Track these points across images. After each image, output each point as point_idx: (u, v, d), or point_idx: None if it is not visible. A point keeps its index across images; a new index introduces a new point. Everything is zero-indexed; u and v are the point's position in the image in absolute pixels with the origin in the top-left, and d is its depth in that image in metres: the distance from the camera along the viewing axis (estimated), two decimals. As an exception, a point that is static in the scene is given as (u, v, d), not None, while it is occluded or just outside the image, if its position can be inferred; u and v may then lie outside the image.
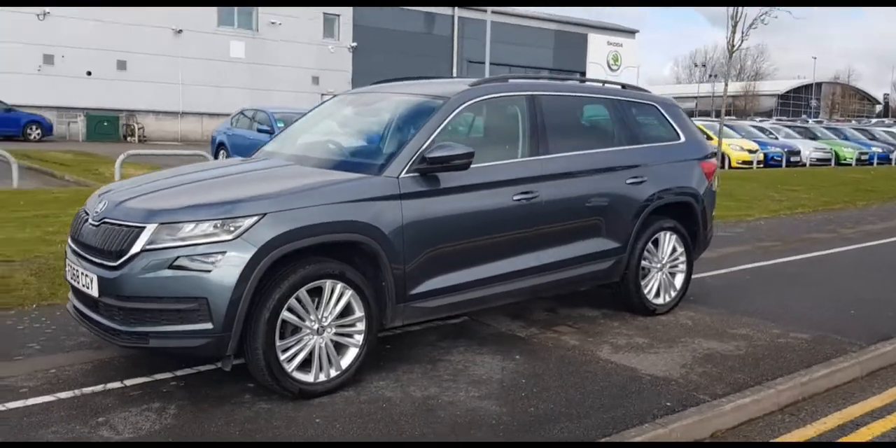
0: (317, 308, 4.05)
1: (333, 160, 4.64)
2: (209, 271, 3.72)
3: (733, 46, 13.31)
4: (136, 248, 3.78)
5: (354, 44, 38.80)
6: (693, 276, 7.11)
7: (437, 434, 3.68)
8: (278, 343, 3.91)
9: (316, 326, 4.05)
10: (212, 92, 33.69)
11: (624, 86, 6.13)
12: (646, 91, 6.26)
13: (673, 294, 5.97)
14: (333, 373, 4.14)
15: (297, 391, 3.99)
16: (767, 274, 7.55)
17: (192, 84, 33.31)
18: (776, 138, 29.03)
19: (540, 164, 4.99)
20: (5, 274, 6.32)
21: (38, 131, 27.14)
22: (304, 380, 4.02)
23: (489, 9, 31.70)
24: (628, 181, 5.51)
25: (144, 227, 3.81)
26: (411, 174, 4.39)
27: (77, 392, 4.06)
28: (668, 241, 5.85)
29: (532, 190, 4.89)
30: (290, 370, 3.97)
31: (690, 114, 68.72)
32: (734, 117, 59.42)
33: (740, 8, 13.09)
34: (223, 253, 3.74)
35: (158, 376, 4.31)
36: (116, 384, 4.18)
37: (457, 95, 4.78)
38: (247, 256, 3.75)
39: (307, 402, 4.01)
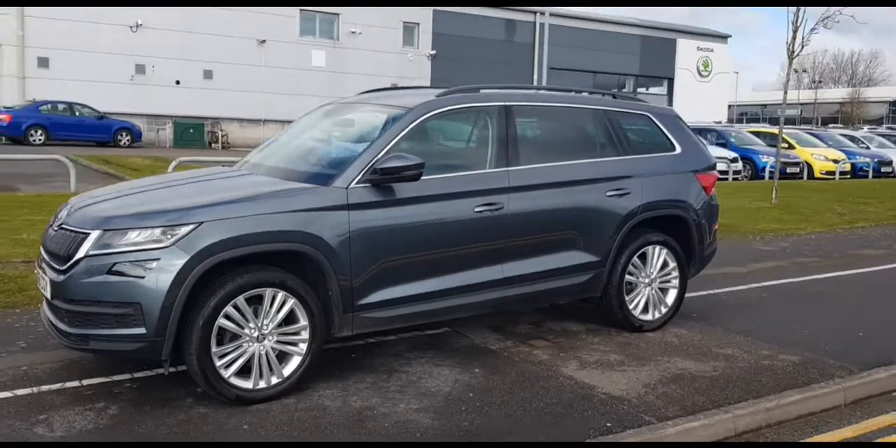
0: (259, 316, 4.13)
1: (298, 171, 4.71)
2: (143, 277, 3.85)
3: (793, 52, 12.75)
4: (80, 253, 3.95)
5: (434, 52, 39.19)
6: (707, 292, 6.92)
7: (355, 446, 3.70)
8: (214, 349, 4.00)
9: (256, 334, 4.13)
10: (292, 100, 34.63)
11: (615, 95, 5.99)
12: (640, 101, 6.10)
13: (663, 310, 5.78)
14: (275, 380, 4.20)
15: (234, 397, 4.07)
16: (788, 291, 7.20)
17: (273, 92, 34.35)
18: (867, 148, 27.67)
19: (507, 176, 4.93)
20: (22, 274, 6.69)
21: (128, 138, 28.55)
22: (243, 386, 4.10)
23: (546, 10, 31.33)
24: (609, 193, 5.38)
25: (89, 234, 3.98)
26: (362, 185, 4.42)
27: (34, 389, 4.26)
28: (658, 256, 5.67)
29: (496, 202, 4.84)
30: (226, 376, 4.05)
31: (792, 121, 66.19)
32: (840, 125, 56.87)
33: (801, 10, 12.50)
34: (157, 260, 3.87)
35: (116, 377, 4.48)
36: (74, 383, 4.37)
37: (418, 106, 4.79)
38: (179, 263, 3.87)
39: (245, 408, 4.09)
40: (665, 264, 5.75)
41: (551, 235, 5.15)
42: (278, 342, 4.22)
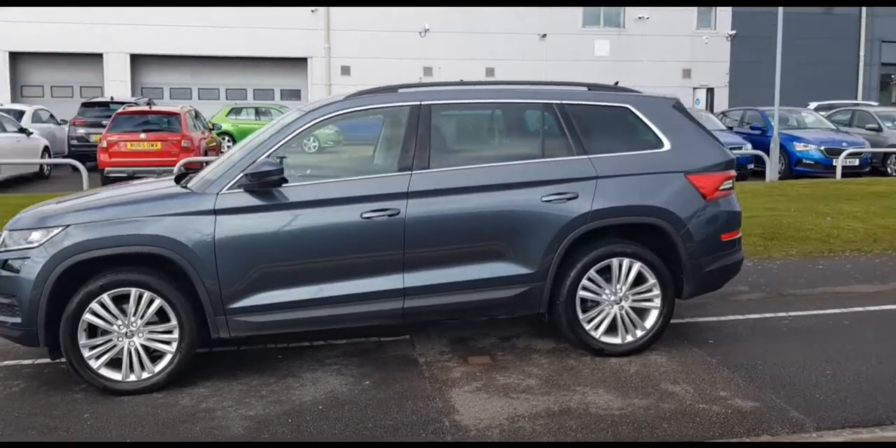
0: (128, 314, 4.45)
1: (205, 178, 4.90)
2: (19, 272, 4.38)
3: None
4: None
5: (733, 32, 36.33)
6: (756, 316, 5.83)
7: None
8: (82, 341, 4.41)
9: (125, 330, 4.46)
10: (574, 92, 34.50)
11: (591, 86, 5.25)
12: (625, 91, 5.27)
13: (639, 334, 4.99)
14: (145, 375, 4.50)
15: (102, 387, 4.45)
16: (870, 320, 5.75)
17: (555, 85, 34.57)
18: None
19: (407, 180, 4.65)
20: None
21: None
22: (112, 378, 4.46)
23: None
24: (545, 198, 4.77)
25: (2, 233, 4.63)
26: (235, 191, 4.51)
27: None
28: (628, 270, 4.90)
29: (391, 207, 4.59)
30: (95, 367, 4.44)
31: None
32: None
33: None
34: (28, 258, 4.37)
35: (41, 361, 4.97)
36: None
37: (313, 110, 4.72)
38: (42, 262, 4.33)
39: (107, 398, 4.43)
40: (640, 280, 4.95)
41: (467, 244, 4.74)
42: (149, 339, 4.50)
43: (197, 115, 16.61)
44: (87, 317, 4.41)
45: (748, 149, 16.27)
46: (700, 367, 4.79)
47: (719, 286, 5.41)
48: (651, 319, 5.00)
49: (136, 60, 30.35)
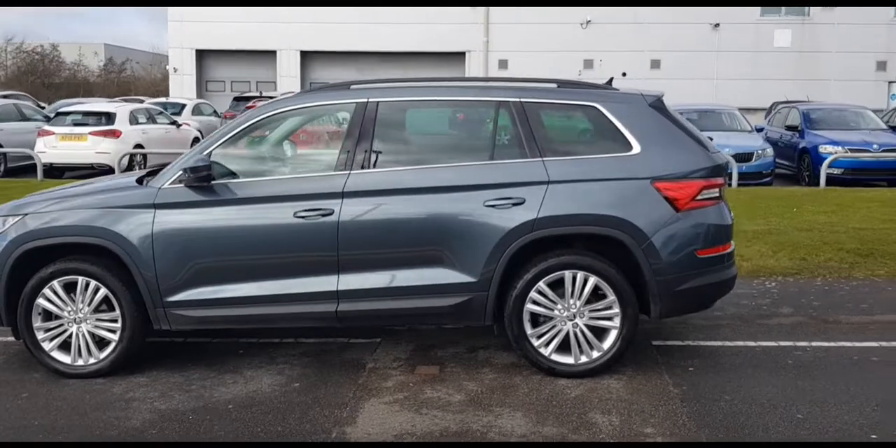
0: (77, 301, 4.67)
1: (160, 174, 4.98)
2: None
3: None
4: None
5: (941, 18, 32.40)
6: (781, 344, 5.16)
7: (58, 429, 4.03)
8: (36, 324, 4.68)
9: (73, 316, 4.68)
10: (748, 85, 32.30)
11: (561, 84, 4.80)
12: (598, 88, 4.78)
13: (594, 355, 4.54)
14: (91, 360, 4.70)
15: (54, 370, 4.70)
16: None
17: (726, 78, 32.50)
18: None
19: (344, 179, 4.51)
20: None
21: (566, 130, 30.27)
22: (63, 361, 4.70)
23: None
24: (488, 203, 4.45)
25: None
26: (176, 185, 4.59)
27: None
28: (582, 284, 4.48)
29: (323, 207, 4.48)
30: (48, 349, 4.70)
31: None
32: None
33: None
34: None
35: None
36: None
37: (260, 107, 4.70)
38: (1, 248, 4.63)
39: (56, 381, 4.66)
40: (598, 296, 4.50)
41: (404, 248, 4.52)
42: (95, 327, 4.69)
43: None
44: (40, 301, 4.67)
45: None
46: (652, 398, 4.29)
47: (703, 306, 4.83)
48: (609, 340, 4.54)
49: (306, 57, 32.04)
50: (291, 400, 4.34)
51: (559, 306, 4.53)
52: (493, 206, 4.46)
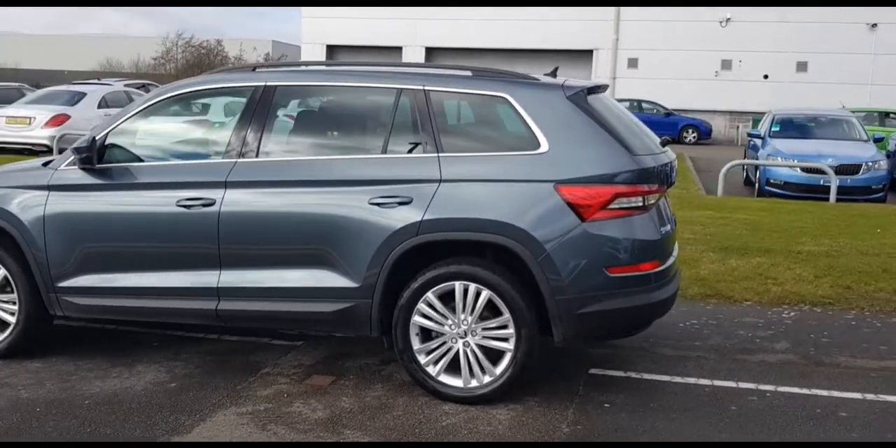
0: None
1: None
2: None
3: None
4: None
5: None
6: (741, 385, 4.44)
7: None
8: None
9: (-30, 299, 4.63)
10: (909, 91, 29.22)
11: (477, 71, 4.22)
12: (519, 77, 4.16)
13: (486, 379, 3.98)
14: (-13, 344, 4.65)
15: (-41, 349, 4.69)
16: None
17: (884, 84, 29.55)
18: None
19: (230, 168, 4.20)
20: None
21: (694, 135, 28.60)
22: (-35, 342, 4.68)
23: None
24: (374, 201, 3.98)
25: None
26: (70, 168, 4.44)
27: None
28: (474, 298, 3.93)
29: (206, 197, 4.18)
30: None
31: None
32: None
33: None
34: None
35: None
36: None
37: (160, 89, 4.47)
38: None
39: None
40: (494, 312, 3.94)
41: (285, 245, 4.15)
42: (-6, 309, 4.63)
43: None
44: None
45: None
46: (532, 435, 3.69)
47: (620, 333, 4.17)
48: (502, 364, 3.96)
49: (431, 53, 32.10)
50: (152, 401, 4.07)
51: (450, 321, 4.01)
52: (378, 204, 3.99)
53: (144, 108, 4.47)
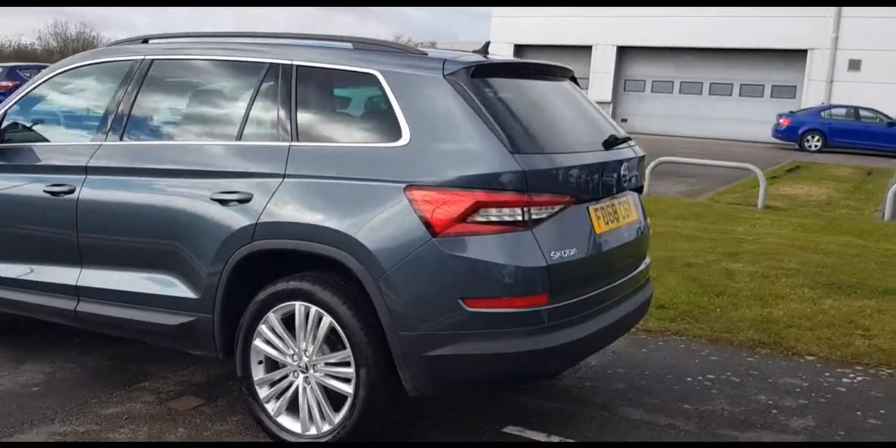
0: None
1: None
2: None
3: None
4: None
5: None
6: None
7: None
8: None
9: None
10: None
11: (358, 42, 3.35)
12: (403, 50, 3.24)
13: (325, 428, 3.17)
14: None
15: None
16: None
17: None
18: None
19: (93, 151, 3.71)
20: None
21: (922, 146, 24.70)
22: None
23: None
24: (216, 196, 3.30)
25: None
26: None
27: None
28: (318, 324, 3.14)
29: (66, 183, 3.72)
30: None
31: None
32: None
33: None
34: None
35: None
36: None
37: (54, 65, 4.08)
38: None
39: None
40: (333, 343, 3.13)
41: (135, 243, 3.59)
42: None
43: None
44: None
45: None
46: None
47: (496, 386, 3.16)
48: (343, 411, 3.12)
49: (622, 52, 30.48)
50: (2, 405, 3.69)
51: (290, 350, 3.24)
52: (219, 201, 3.31)
53: (36, 86, 4.10)
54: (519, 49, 32.26)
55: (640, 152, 3.81)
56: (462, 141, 2.95)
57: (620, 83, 30.81)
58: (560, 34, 30.41)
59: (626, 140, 3.64)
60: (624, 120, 30.73)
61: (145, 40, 3.96)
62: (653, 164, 11.34)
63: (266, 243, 3.19)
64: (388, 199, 2.96)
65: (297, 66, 3.35)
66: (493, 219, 2.88)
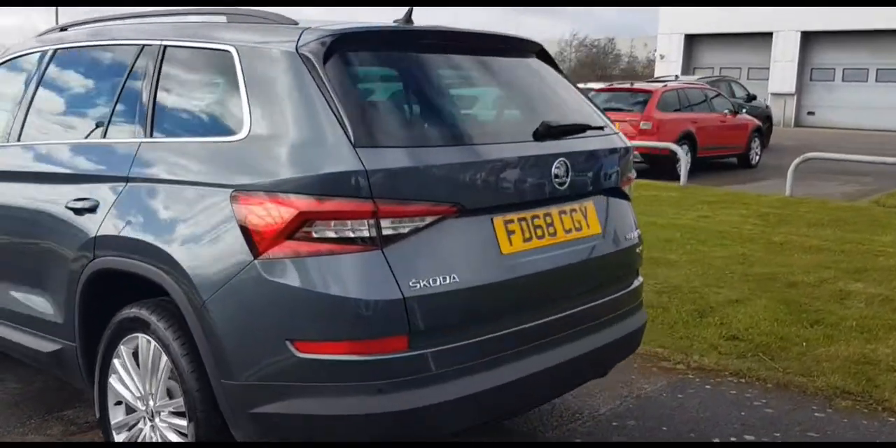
0: None
1: None
2: None
3: None
4: None
5: None
6: None
7: None
8: None
9: None
10: None
11: (233, 15, 2.69)
12: (269, 21, 2.53)
13: (169, 489, 2.54)
14: None
15: None
16: None
17: None
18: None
19: None
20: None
21: None
22: None
23: None
24: (70, 204, 2.78)
25: None
26: None
27: None
28: (154, 360, 2.53)
29: None
30: None
31: None
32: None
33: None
34: None
35: None
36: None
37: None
38: None
39: None
40: (169, 388, 2.50)
41: (17, 258, 3.16)
42: None
43: (718, 95, 14.23)
44: None
45: None
46: None
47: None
48: (186, 467, 2.49)
49: (807, 38, 27.56)
50: None
51: (138, 390, 2.65)
52: (73, 209, 2.79)
53: None
54: (690, 39, 30.21)
55: (620, 143, 2.87)
56: (302, 132, 2.22)
57: (805, 72, 27.92)
58: (734, 22, 28.05)
59: (590, 128, 2.73)
60: (810, 113, 27.92)
61: (63, 28, 3.54)
62: (797, 160, 9.74)
63: (104, 261, 2.63)
64: (213, 208, 2.30)
65: (165, 46, 2.75)
66: (330, 235, 2.13)
